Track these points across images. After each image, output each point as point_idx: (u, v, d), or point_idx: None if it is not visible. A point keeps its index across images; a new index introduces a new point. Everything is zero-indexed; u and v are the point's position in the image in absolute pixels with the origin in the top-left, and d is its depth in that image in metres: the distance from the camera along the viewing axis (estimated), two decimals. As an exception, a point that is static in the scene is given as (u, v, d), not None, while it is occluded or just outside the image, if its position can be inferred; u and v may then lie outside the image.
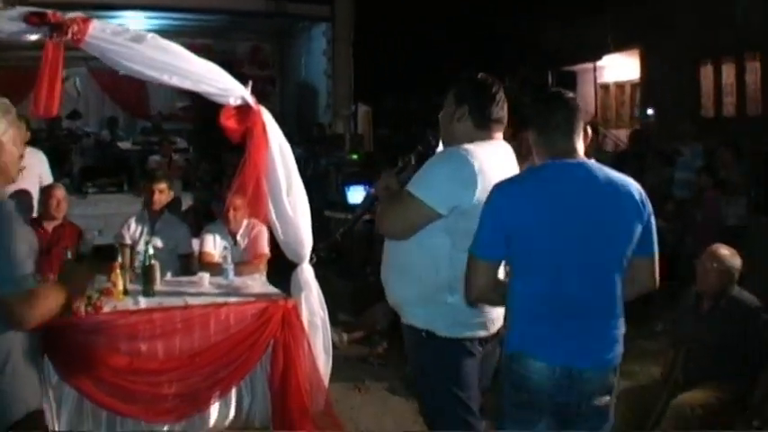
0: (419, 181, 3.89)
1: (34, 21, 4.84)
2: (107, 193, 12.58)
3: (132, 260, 7.10)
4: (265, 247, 7.11)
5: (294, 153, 5.92)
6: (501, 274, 3.74)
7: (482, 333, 4.07)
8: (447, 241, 3.86)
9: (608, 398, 3.52)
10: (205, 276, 6.47)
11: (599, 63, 21.40)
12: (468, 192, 3.78)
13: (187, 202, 12.36)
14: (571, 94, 3.70)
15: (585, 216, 3.40)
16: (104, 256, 6.54)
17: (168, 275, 6.76)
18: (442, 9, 22.35)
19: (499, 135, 4.11)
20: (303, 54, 20.25)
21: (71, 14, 4.93)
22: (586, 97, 22.07)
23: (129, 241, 7.34)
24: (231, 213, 7.32)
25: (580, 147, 3.55)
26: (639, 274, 3.61)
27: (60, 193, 7.26)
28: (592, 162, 3.53)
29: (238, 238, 7.40)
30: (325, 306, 6.06)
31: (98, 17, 5.20)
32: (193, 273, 6.99)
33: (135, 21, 16.03)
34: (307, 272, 5.96)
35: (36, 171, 7.77)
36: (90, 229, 8.25)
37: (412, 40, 22.36)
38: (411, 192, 3.85)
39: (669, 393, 5.38)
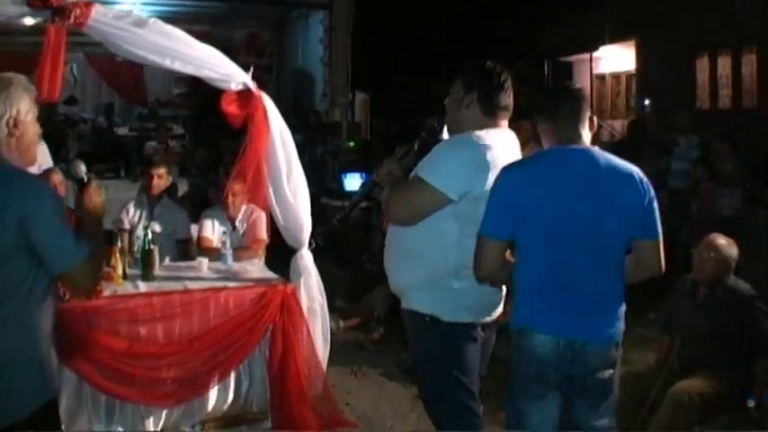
0: (430, 166, 3.91)
1: (37, 4, 4.83)
2: (104, 179, 12.53)
3: (131, 245, 7.11)
4: (264, 233, 7.11)
5: (291, 140, 5.92)
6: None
7: (485, 318, 4.11)
8: (456, 227, 3.89)
9: (611, 371, 3.68)
10: (204, 261, 6.49)
11: (595, 54, 21.40)
12: (479, 178, 3.83)
13: (183, 188, 12.35)
14: (578, 86, 3.98)
15: (588, 199, 3.59)
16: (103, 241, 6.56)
17: (167, 260, 6.78)
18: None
19: (505, 123, 4.14)
20: (300, 42, 20.18)
21: (73, -2, 4.93)
22: (583, 88, 22.07)
23: (127, 226, 7.35)
24: (230, 199, 7.34)
25: (586, 135, 3.75)
26: (644, 257, 3.75)
27: (58, 177, 7.24)
28: (595, 149, 3.71)
29: (237, 223, 7.42)
30: (323, 292, 6.09)
31: (98, 1, 5.20)
32: (192, 258, 7.02)
33: (133, 7, 15.97)
34: (306, 257, 5.98)
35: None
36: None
37: (410, 29, 22.33)
38: (422, 177, 3.87)
39: (664, 380, 5.42)
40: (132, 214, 7.47)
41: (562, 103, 3.78)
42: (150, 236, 6.20)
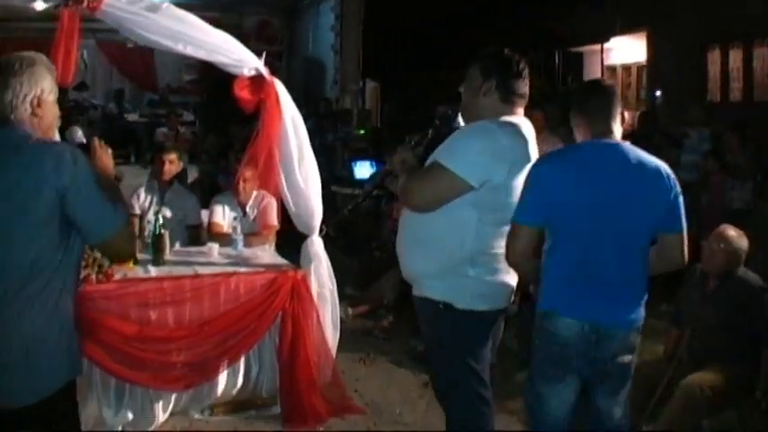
0: (450, 153, 3.89)
1: (52, -13, 4.85)
2: (115, 164, 12.54)
3: (141, 230, 7.11)
4: (274, 219, 7.11)
5: (301, 128, 5.92)
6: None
7: (498, 306, 4.12)
8: (474, 214, 3.88)
9: (630, 357, 3.91)
10: (214, 247, 6.50)
11: (606, 45, 21.34)
12: (500, 166, 3.83)
13: (193, 174, 12.38)
14: (611, 83, 4.16)
15: (617, 191, 3.78)
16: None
17: (177, 246, 6.79)
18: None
19: (521, 111, 4.13)
20: (311, 29, 20.18)
21: (87, -17, 4.93)
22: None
23: (138, 211, 7.34)
24: (241, 184, 7.32)
25: (617, 129, 3.91)
26: (668, 250, 3.95)
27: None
28: (626, 144, 3.90)
29: (248, 209, 7.42)
30: (334, 278, 6.10)
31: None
32: (202, 244, 7.02)
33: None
34: (317, 244, 6.00)
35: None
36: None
37: (422, 16, 22.25)
38: (442, 163, 3.86)
39: (674, 371, 5.42)
40: (143, 199, 7.46)
41: (595, 98, 3.96)
42: (161, 221, 6.20)
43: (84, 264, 5.10)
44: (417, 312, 4.25)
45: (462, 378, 4.10)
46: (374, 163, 12.00)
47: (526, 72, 4.12)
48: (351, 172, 12.13)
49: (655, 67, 19.45)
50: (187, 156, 12.60)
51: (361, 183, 11.79)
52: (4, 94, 3.15)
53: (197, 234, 7.53)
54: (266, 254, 6.66)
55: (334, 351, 6.14)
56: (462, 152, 3.87)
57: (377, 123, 19.45)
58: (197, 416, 5.82)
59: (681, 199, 3.91)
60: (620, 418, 4.02)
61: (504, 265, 4.03)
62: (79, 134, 3.61)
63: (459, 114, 4.30)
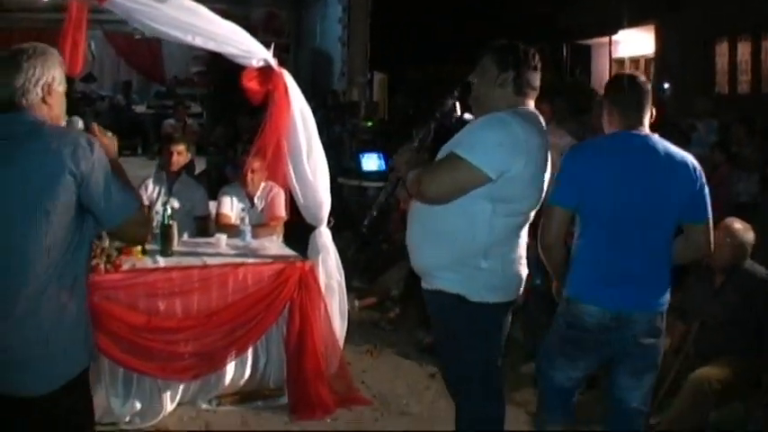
0: (468, 144, 3.84)
1: (61, -22, 4.86)
2: (122, 156, 12.50)
3: (150, 220, 7.11)
4: (282, 210, 7.09)
5: (308, 120, 5.92)
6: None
7: (510, 298, 4.12)
8: (488, 206, 3.85)
9: (653, 340, 4.10)
10: (222, 238, 6.51)
11: (614, 38, 21.34)
12: (517, 158, 3.80)
13: (200, 166, 12.39)
14: (643, 78, 4.33)
15: (644, 180, 3.99)
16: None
17: (185, 237, 6.80)
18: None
19: (532, 103, 4.12)
20: (318, 21, 20.17)
21: (96, -26, 4.94)
22: (601, 71, 22.04)
23: (146, 202, 7.33)
24: (249, 176, 7.31)
25: (647, 122, 4.12)
26: (694, 238, 4.14)
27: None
28: (655, 136, 4.10)
29: (256, 200, 7.42)
30: (342, 269, 6.12)
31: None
32: (210, 235, 7.03)
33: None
34: (324, 235, 6.02)
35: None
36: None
37: (429, 8, 22.25)
38: (459, 154, 3.81)
39: (681, 364, 5.42)
40: (151, 190, 7.48)
41: (629, 91, 4.15)
42: (169, 211, 6.22)
43: (92, 254, 5.13)
44: (428, 305, 4.23)
45: (475, 371, 4.09)
46: (381, 155, 11.99)
47: (539, 65, 4.12)
48: (358, 164, 12.10)
49: (663, 59, 19.46)
50: (195, 147, 12.62)
51: (369, 175, 11.80)
52: (16, 78, 3.16)
53: (205, 225, 7.53)
54: (274, 245, 6.67)
55: (341, 342, 6.17)
56: (481, 144, 3.82)
57: (384, 115, 19.43)
58: (204, 406, 5.83)
59: (706, 190, 4.08)
60: (637, 405, 4.20)
61: (515, 255, 4.06)
62: (80, 124, 3.62)
63: (458, 105, 4.31)
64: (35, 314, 3.08)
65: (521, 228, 4.07)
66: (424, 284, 4.19)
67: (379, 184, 11.23)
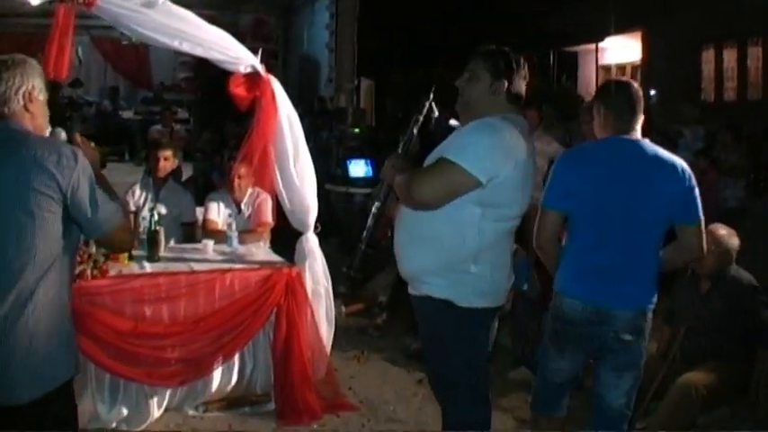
0: (460, 149, 3.83)
1: (49, -18, 4.86)
2: (108, 161, 12.53)
3: (136, 226, 7.09)
4: (269, 216, 7.11)
5: (295, 126, 5.92)
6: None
7: (497, 303, 4.12)
8: (477, 211, 3.85)
9: (634, 337, 4.21)
10: (209, 244, 6.50)
11: (601, 45, 21.42)
12: (507, 163, 3.81)
13: (187, 172, 12.36)
14: (637, 84, 4.42)
15: (631, 182, 4.13)
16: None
17: (172, 243, 6.79)
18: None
19: (518, 109, 4.15)
20: (306, 27, 20.17)
21: (83, -21, 4.93)
22: (587, 78, 22.11)
23: (133, 208, 7.31)
24: (236, 182, 7.32)
25: (638, 128, 4.26)
26: (686, 240, 4.26)
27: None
28: (645, 141, 4.25)
29: (242, 206, 7.42)
30: (328, 275, 6.12)
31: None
32: (197, 241, 7.02)
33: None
34: (311, 240, 6.02)
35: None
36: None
37: (416, 15, 22.28)
38: (453, 159, 3.79)
39: (668, 368, 5.44)
40: (138, 196, 7.46)
41: (623, 98, 4.27)
42: (156, 217, 6.20)
43: (79, 260, 5.12)
44: (415, 311, 4.23)
45: (461, 376, 4.08)
46: (369, 162, 12.01)
47: (527, 74, 4.16)
48: (345, 170, 12.13)
49: (649, 66, 19.53)
50: (181, 153, 12.60)
51: (356, 181, 11.82)
52: None
53: (192, 231, 7.52)
54: (261, 251, 6.67)
55: (328, 348, 6.17)
56: (472, 149, 3.81)
57: (371, 122, 19.44)
58: (191, 412, 5.82)
59: (696, 192, 4.19)
60: (619, 406, 4.31)
61: (503, 261, 4.08)
62: (63, 135, 3.61)
63: (434, 105, 4.33)
64: (22, 321, 3.08)
65: (509, 233, 4.08)
66: (411, 290, 4.19)
67: (367, 191, 11.27)
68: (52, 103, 3.47)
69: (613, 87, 4.45)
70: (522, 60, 4.12)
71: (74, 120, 16.63)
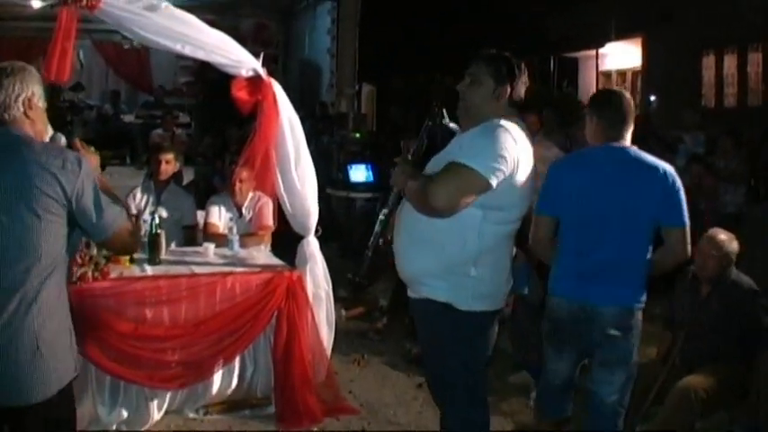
0: (472, 153, 3.81)
1: (52, -15, 4.87)
2: (110, 165, 12.56)
3: (138, 229, 7.10)
4: (270, 220, 7.11)
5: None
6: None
7: (497, 306, 4.14)
8: (479, 214, 3.86)
9: (622, 334, 4.29)
10: (210, 247, 6.51)
11: (601, 50, 21.42)
12: (512, 166, 3.83)
13: (188, 176, 12.36)
14: (628, 94, 4.59)
15: (616, 187, 4.29)
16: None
17: (173, 246, 6.80)
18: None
19: (517, 114, 4.16)
20: (307, 32, 20.12)
21: (86, -19, 4.94)
22: (588, 84, 22.12)
23: (134, 211, 7.33)
24: (237, 185, 7.33)
25: (628, 136, 4.41)
26: (671, 243, 4.35)
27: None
28: (633, 148, 4.39)
29: (244, 210, 7.43)
30: (329, 279, 6.13)
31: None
32: (198, 244, 7.03)
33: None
34: (312, 244, 6.03)
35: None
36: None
37: (418, 20, 22.28)
38: (466, 164, 3.77)
39: (668, 373, 5.44)
40: (139, 199, 7.48)
41: (612, 106, 4.44)
42: (158, 220, 6.21)
43: (80, 262, 5.14)
44: (414, 314, 4.25)
45: (459, 378, 4.09)
46: (369, 166, 12.03)
47: (527, 79, 4.19)
48: (346, 175, 12.15)
49: (649, 72, 19.54)
50: (183, 157, 12.60)
51: (357, 186, 11.84)
52: None
53: (193, 235, 7.54)
54: (262, 254, 6.68)
55: (328, 351, 6.18)
56: (484, 152, 3.81)
57: (372, 127, 19.43)
58: (191, 415, 5.83)
59: (682, 195, 4.30)
60: (612, 402, 4.37)
61: (503, 264, 4.09)
62: (63, 141, 3.61)
63: (445, 111, 4.37)
64: (27, 323, 3.10)
65: (509, 236, 4.09)
66: (410, 293, 4.20)
67: (367, 195, 11.29)
68: (52, 107, 3.49)
69: (606, 98, 4.61)
70: (522, 66, 4.14)
71: (75, 123, 16.58)
